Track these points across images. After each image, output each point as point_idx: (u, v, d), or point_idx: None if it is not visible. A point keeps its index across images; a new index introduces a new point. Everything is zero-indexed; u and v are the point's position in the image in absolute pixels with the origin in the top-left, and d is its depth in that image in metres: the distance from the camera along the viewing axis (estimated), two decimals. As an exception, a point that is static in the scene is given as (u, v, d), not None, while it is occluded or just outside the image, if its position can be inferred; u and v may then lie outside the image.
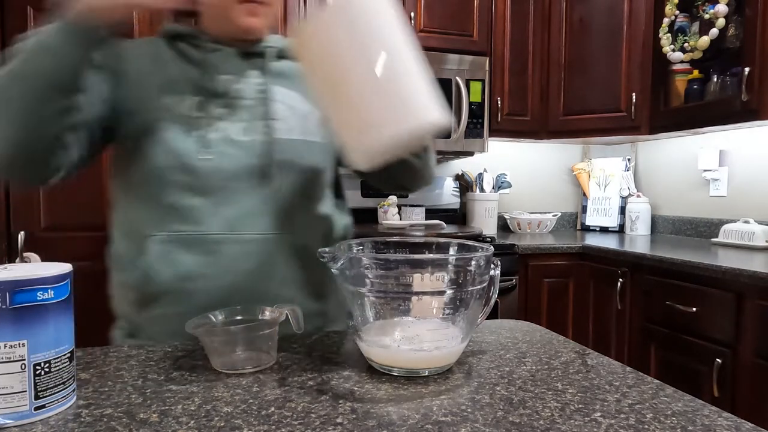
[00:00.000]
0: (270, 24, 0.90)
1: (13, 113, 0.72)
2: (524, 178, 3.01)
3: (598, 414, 0.53)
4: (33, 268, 0.53)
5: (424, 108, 0.64)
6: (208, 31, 0.90)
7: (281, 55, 0.94)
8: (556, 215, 2.87)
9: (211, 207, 0.82)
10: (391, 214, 2.47)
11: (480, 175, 2.75)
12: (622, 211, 2.81)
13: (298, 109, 0.92)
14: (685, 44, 2.19)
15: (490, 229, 2.65)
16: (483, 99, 2.45)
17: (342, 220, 0.97)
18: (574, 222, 3.10)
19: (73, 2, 0.71)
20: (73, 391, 0.55)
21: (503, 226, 2.93)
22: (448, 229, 2.39)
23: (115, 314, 0.92)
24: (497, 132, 2.56)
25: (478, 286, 0.63)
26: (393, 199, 2.48)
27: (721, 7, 2.03)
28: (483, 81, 2.45)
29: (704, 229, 2.48)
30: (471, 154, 2.56)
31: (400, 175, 0.95)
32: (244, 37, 0.90)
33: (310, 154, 0.90)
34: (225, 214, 0.83)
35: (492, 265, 0.67)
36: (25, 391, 0.50)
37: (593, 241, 2.41)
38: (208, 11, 0.89)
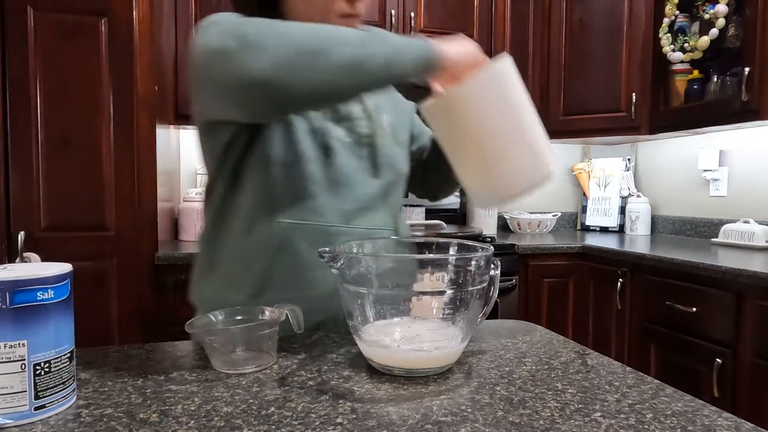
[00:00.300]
0: None
1: (323, 78, 0.68)
2: (524, 178, 3.01)
3: (598, 414, 0.53)
4: (33, 268, 0.53)
5: (549, 162, 0.76)
6: None
7: None
8: (556, 215, 2.87)
9: (331, 199, 0.87)
10: (391, 214, 2.47)
11: (480, 175, 2.75)
12: (622, 211, 2.81)
13: (391, 115, 0.98)
14: (685, 44, 2.19)
15: (490, 229, 2.65)
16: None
17: (403, 227, 1.06)
18: (574, 222, 3.10)
19: (442, 48, 0.74)
20: (73, 391, 0.55)
21: (503, 226, 2.93)
22: (448, 229, 2.39)
23: (195, 306, 0.94)
24: (497, 132, 2.56)
25: (478, 286, 0.63)
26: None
27: (721, 7, 2.03)
28: (483, 81, 2.45)
29: (704, 229, 2.48)
30: (471, 154, 2.57)
31: (443, 186, 1.09)
32: None
33: (402, 161, 0.98)
34: (343, 207, 0.87)
35: (492, 265, 0.67)
36: (25, 391, 0.50)
37: (593, 241, 2.41)
38: (306, 21, 0.85)
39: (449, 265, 0.63)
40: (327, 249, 0.63)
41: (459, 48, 0.76)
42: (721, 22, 2.04)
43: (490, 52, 2.53)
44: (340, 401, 0.55)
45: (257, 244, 0.86)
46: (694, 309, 1.74)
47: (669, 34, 2.26)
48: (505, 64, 0.73)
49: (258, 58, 0.66)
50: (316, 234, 0.85)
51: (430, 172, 1.07)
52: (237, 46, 0.67)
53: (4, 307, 0.49)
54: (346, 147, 0.89)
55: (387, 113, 1.00)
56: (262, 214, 0.85)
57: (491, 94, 0.72)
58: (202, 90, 0.76)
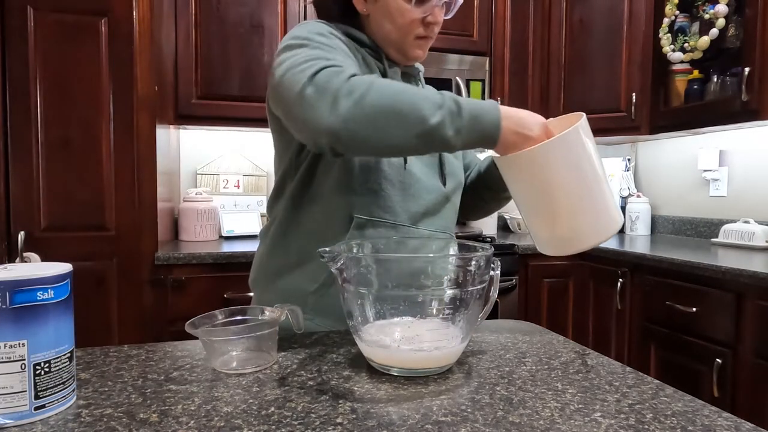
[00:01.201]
0: None
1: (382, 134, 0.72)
2: (524, 178, 3.01)
3: (598, 414, 0.53)
4: (33, 268, 0.53)
5: (617, 220, 0.79)
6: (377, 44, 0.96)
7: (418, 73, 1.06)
8: (556, 215, 2.87)
9: (402, 200, 0.90)
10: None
11: (480, 175, 2.75)
12: (622, 211, 2.81)
13: None
14: (685, 44, 2.19)
15: (490, 229, 2.65)
16: (483, 99, 2.44)
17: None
18: (574, 222, 3.10)
19: (510, 122, 0.76)
20: (73, 391, 0.55)
21: (503, 226, 2.92)
22: (448, 229, 2.39)
23: (259, 298, 0.98)
24: (497, 132, 2.56)
25: (478, 286, 0.63)
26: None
27: (721, 7, 2.03)
28: (483, 81, 2.45)
29: (704, 229, 2.48)
30: (471, 154, 2.57)
31: (477, 211, 1.13)
32: (405, 63, 0.98)
33: (461, 172, 1.03)
34: (412, 209, 0.91)
35: (492, 266, 0.67)
36: (25, 391, 0.50)
37: (593, 241, 2.41)
38: (384, 35, 0.94)
39: (449, 265, 0.63)
40: (327, 249, 0.63)
41: (527, 121, 0.77)
42: (721, 22, 2.04)
43: (490, 52, 2.53)
44: (340, 401, 0.55)
45: (332, 236, 0.88)
46: (694, 309, 1.74)
47: (669, 34, 2.26)
48: (582, 125, 0.76)
49: (335, 111, 0.70)
50: (387, 231, 0.89)
51: (470, 193, 1.09)
52: (318, 95, 0.71)
53: (4, 307, 0.49)
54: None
55: None
56: (340, 208, 0.89)
57: (569, 154, 0.75)
58: (278, 106, 0.79)
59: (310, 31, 0.84)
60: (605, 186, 0.78)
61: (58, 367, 0.52)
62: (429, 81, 2.46)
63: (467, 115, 0.73)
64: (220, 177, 2.54)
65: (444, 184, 0.97)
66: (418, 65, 1.05)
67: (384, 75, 0.95)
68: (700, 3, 2.15)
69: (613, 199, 0.80)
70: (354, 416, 0.52)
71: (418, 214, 0.93)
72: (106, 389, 0.58)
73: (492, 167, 1.02)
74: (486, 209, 1.13)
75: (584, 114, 0.79)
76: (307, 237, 0.91)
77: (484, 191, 1.07)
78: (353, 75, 0.72)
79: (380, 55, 0.95)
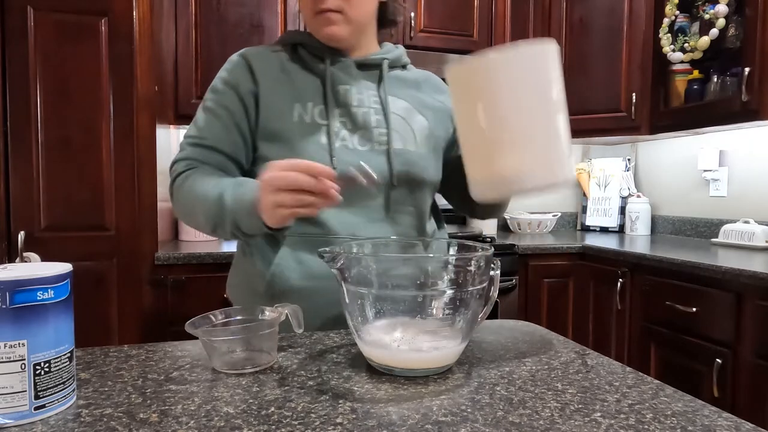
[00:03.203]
0: (354, 30, 0.93)
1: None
2: (524, 178, 3.01)
3: (598, 414, 0.53)
4: (33, 268, 0.53)
5: (566, 170, 0.69)
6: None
7: (393, 65, 0.99)
8: (556, 215, 2.87)
9: (335, 212, 0.86)
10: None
11: (480, 175, 2.75)
12: (622, 211, 2.81)
13: (410, 121, 0.96)
14: (685, 44, 2.19)
15: (490, 229, 2.65)
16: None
17: (443, 233, 1.04)
18: (574, 222, 3.10)
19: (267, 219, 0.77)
20: (73, 391, 0.55)
21: (503, 226, 2.92)
22: (449, 229, 2.39)
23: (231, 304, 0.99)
24: (497, 132, 2.56)
25: (478, 287, 0.63)
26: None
27: (721, 7, 2.03)
28: (483, 81, 2.45)
29: (704, 229, 2.48)
30: (471, 154, 2.57)
31: (489, 209, 1.04)
32: (332, 45, 0.93)
33: (422, 166, 0.94)
34: (348, 220, 0.87)
35: (492, 265, 0.67)
36: (25, 390, 0.50)
37: (593, 241, 2.41)
38: (306, 24, 0.94)
39: (449, 265, 0.63)
40: (327, 249, 0.63)
41: (277, 180, 0.72)
42: (721, 22, 2.04)
43: (490, 52, 2.53)
44: (340, 401, 0.55)
45: (267, 254, 0.89)
46: (694, 309, 1.74)
47: (669, 34, 2.26)
48: (549, 49, 0.67)
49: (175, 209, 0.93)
50: (323, 245, 0.84)
51: (457, 189, 1.01)
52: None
53: (4, 307, 0.49)
54: (359, 155, 0.88)
55: (426, 114, 0.98)
56: None
57: (524, 73, 0.66)
58: None
59: (217, 79, 0.94)
60: (562, 124, 0.69)
61: (58, 367, 0.52)
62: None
63: (229, 219, 0.80)
64: (220, 177, 2.53)
65: (393, 184, 0.90)
66: (386, 54, 0.98)
67: (323, 75, 0.91)
68: (700, 3, 2.15)
69: (569, 147, 0.70)
70: (354, 416, 0.52)
71: (359, 223, 0.87)
72: (106, 389, 0.58)
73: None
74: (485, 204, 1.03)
75: (555, 41, 0.69)
76: (260, 252, 0.91)
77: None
78: (178, 175, 0.89)
79: (323, 53, 0.93)
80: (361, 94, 0.93)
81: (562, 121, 0.69)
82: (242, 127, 0.91)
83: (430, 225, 1.00)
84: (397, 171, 0.90)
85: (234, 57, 0.94)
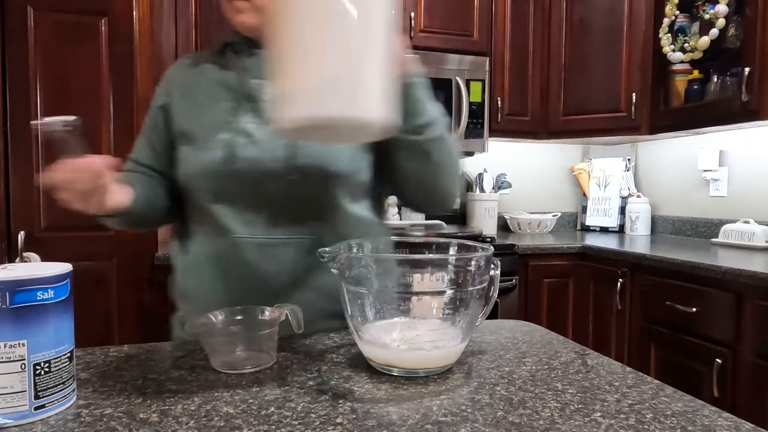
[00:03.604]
0: (265, 17, 0.89)
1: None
2: (524, 178, 3.01)
3: (598, 414, 0.53)
4: (33, 268, 0.53)
5: (372, 103, 0.57)
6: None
7: None
8: (556, 215, 2.87)
9: (236, 213, 0.84)
10: (391, 214, 2.47)
11: (480, 175, 2.75)
12: (622, 211, 2.81)
13: None
14: (685, 44, 2.19)
15: (490, 229, 2.65)
16: (483, 99, 2.45)
17: (376, 228, 0.94)
18: (574, 222, 3.10)
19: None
20: (73, 391, 0.55)
21: (503, 226, 2.92)
22: (448, 229, 2.39)
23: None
24: (497, 132, 2.56)
25: (478, 286, 0.63)
26: (393, 198, 2.48)
27: (721, 7, 2.03)
28: (483, 81, 2.45)
29: (704, 229, 2.48)
30: (471, 154, 2.57)
31: (419, 193, 0.92)
32: (248, 35, 0.91)
33: (336, 159, 0.86)
34: (249, 219, 0.84)
35: (492, 265, 0.67)
36: (25, 390, 0.50)
37: (593, 241, 2.41)
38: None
39: (449, 265, 0.63)
40: (327, 249, 0.63)
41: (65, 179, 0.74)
42: (721, 22, 2.04)
43: (490, 52, 2.53)
44: (340, 401, 0.55)
45: (178, 255, 0.96)
46: (694, 309, 1.74)
47: (669, 34, 2.26)
48: None
49: None
50: (224, 246, 0.85)
51: (400, 174, 0.90)
52: None
53: (4, 307, 0.49)
54: (254, 149, 0.83)
55: None
56: (184, 230, 0.95)
57: None
58: None
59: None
60: (373, 47, 0.57)
61: (58, 367, 0.52)
62: (429, 81, 2.45)
63: None
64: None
65: (297, 178, 0.84)
66: None
67: (239, 67, 0.90)
68: (700, 3, 2.15)
69: (385, 81, 0.57)
70: (354, 416, 0.52)
71: (258, 222, 0.84)
72: (106, 389, 0.58)
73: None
74: (426, 190, 0.90)
75: None
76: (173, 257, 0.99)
77: (409, 163, 0.86)
78: None
79: (242, 46, 0.91)
80: None
81: (374, 44, 0.57)
82: (163, 140, 0.94)
83: (356, 224, 0.90)
84: (302, 164, 0.84)
85: (165, 76, 0.98)
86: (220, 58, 0.94)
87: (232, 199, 0.84)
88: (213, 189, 0.85)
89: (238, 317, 0.71)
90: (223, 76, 0.91)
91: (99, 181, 0.73)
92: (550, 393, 0.58)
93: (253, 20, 0.88)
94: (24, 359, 0.50)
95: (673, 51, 2.23)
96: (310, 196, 0.86)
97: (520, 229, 2.81)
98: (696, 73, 2.24)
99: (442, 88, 2.37)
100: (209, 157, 0.84)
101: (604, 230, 2.87)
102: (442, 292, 0.62)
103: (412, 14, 2.38)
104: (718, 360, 1.64)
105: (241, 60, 0.91)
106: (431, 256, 0.75)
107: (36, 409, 0.51)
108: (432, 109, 0.84)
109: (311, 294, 0.86)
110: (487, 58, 2.48)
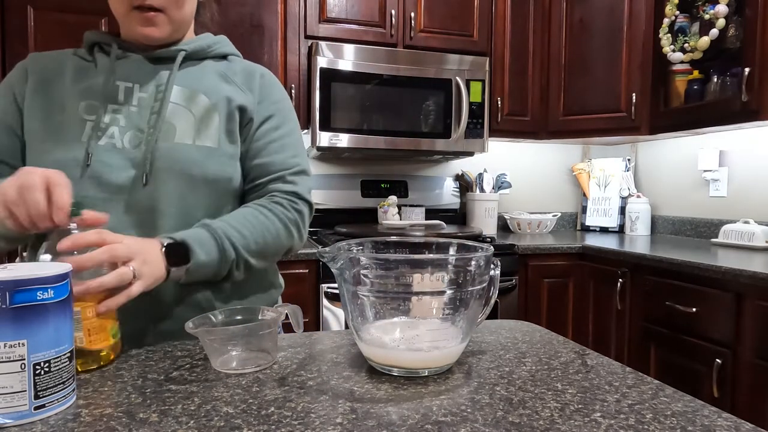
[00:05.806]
0: (174, 30, 0.88)
1: None
2: (524, 179, 3.01)
3: (598, 414, 0.53)
4: (33, 268, 0.53)
5: None
6: (125, 39, 0.90)
7: (195, 57, 0.91)
8: (556, 215, 2.87)
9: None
10: (391, 214, 2.47)
11: (480, 175, 2.75)
12: (622, 211, 2.81)
13: (199, 114, 0.87)
14: (685, 45, 2.19)
15: (490, 229, 2.65)
16: (483, 99, 2.45)
17: None
18: (574, 222, 3.10)
19: None
20: (73, 390, 0.55)
21: (503, 226, 2.92)
22: (448, 229, 2.39)
23: None
24: (497, 132, 2.56)
25: (478, 286, 0.63)
26: (393, 199, 2.48)
27: (721, 8, 2.03)
28: (483, 81, 2.45)
29: (704, 230, 2.48)
30: (471, 154, 2.56)
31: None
32: (147, 44, 0.87)
33: (203, 161, 0.83)
34: (112, 227, 0.74)
35: (492, 265, 0.67)
36: (25, 390, 0.50)
37: (593, 241, 2.41)
38: (115, 15, 0.87)
39: (449, 265, 0.63)
40: (327, 249, 0.63)
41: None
42: (721, 22, 2.04)
43: (490, 52, 2.53)
44: (340, 401, 0.55)
45: None
46: (694, 309, 1.74)
47: (669, 35, 2.26)
48: None
49: None
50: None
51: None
52: None
53: (4, 307, 0.49)
54: (110, 154, 0.80)
55: (193, 105, 0.87)
56: (37, 240, 0.84)
57: None
58: None
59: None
60: None
61: (57, 367, 0.52)
62: (429, 81, 2.45)
63: None
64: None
65: (148, 185, 0.80)
66: (187, 45, 0.91)
67: (108, 69, 0.85)
68: (700, 3, 2.15)
69: None
70: (354, 416, 0.52)
71: (118, 230, 0.74)
72: (106, 389, 0.58)
73: None
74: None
75: None
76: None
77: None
78: None
79: (112, 48, 0.87)
80: (146, 92, 0.86)
81: None
82: (15, 128, 0.85)
83: None
84: (162, 168, 0.81)
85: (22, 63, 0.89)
86: (88, 57, 0.89)
87: (91, 205, 0.74)
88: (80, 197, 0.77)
89: (238, 317, 0.71)
90: (86, 74, 0.86)
91: None
92: (549, 393, 0.58)
93: (164, 33, 0.86)
94: (24, 359, 0.50)
95: (673, 51, 2.24)
96: (166, 200, 0.82)
97: (520, 229, 2.81)
98: (696, 74, 2.24)
99: (442, 88, 2.37)
100: (62, 157, 0.78)
101: (604, 230, 2.87)
102: (442, 292, 0.62)
103: (412, 14, 2.38)
104: (718, 360, 1.64)
105: (111, 62, 0.86)
106: (431, 256, 0.75)
107: (36, 409, 0.51)
108: (215, 253, 0.79)
109: (189, 310, 0.82)
110: (487, 58, 2.48)
